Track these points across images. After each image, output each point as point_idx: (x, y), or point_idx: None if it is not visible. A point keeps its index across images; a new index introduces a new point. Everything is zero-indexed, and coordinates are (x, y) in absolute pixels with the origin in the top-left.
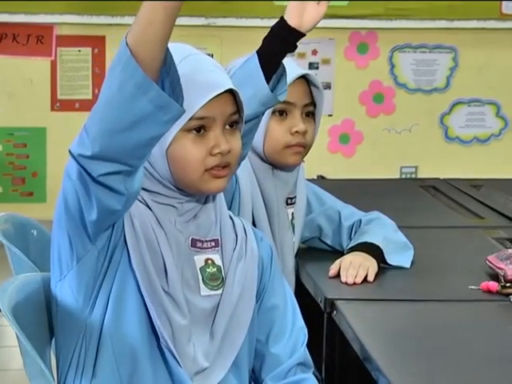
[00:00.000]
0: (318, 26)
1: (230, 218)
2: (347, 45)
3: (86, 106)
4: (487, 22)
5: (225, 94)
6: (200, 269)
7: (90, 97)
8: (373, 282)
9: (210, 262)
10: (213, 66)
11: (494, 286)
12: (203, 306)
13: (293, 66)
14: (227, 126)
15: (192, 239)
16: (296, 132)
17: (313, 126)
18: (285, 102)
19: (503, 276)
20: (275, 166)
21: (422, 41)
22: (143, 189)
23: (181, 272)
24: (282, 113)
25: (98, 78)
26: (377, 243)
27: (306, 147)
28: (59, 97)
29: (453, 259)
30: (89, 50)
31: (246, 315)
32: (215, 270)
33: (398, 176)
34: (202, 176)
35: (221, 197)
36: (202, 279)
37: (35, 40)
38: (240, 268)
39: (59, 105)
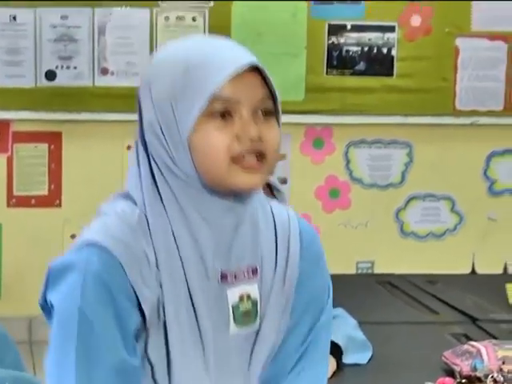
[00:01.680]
0: None
1: (272, 213)
2: (303, 140)
3: (42, 201)
4: (441, 117)
5: (251, 75)
6: (233, 306)
7: (46, 193)
8: (330, 379)
9: (245, 297)
10: (235, 45)
11: (450, 382)
12: (231, 345)
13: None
14: (260, 114)
15: (222, 273)
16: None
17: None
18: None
19: (459, 372)
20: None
21: (377, 136)
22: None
23: (210, 313)
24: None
25: (54, 173)
26: (337, 342)
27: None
28: (15, 193)
29: (409, 355)
30: (45, 145)
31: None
32: (250, 306)
33: (354, 271)
34: (229, 167)
35: (259, 197)
36: (234, 318)
37: None
38: (276, 295)
39: (15, 201)
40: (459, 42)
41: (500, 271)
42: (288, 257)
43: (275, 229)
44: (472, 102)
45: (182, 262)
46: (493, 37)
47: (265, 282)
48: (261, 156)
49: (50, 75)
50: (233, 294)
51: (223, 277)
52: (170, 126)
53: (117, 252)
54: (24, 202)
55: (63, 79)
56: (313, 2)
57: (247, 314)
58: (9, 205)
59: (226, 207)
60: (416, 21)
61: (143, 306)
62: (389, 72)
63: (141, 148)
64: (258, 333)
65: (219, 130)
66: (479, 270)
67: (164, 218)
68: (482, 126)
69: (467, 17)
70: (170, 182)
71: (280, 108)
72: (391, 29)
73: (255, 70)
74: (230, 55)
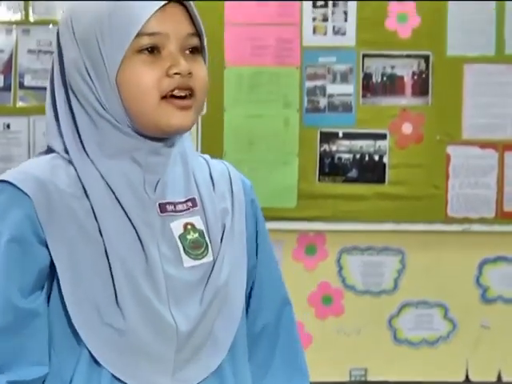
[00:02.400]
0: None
1: (205, 160)
2: (295, 246)
3: None
4: (433, 224)
5: (178, 10)
6: (179, 237)
7: None
8: None
9: (189, 227)
10: None
11: None
12: (188, 278)
13: None
14: (187, 52)
15: (160, 204)
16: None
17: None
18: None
19: None
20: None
21: (369, 243)
22: (86, 154)
23: (156, 247)
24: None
25: None
26: None
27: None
28: None
29: None
30: None
31: (239, 292)
32: (197, 235)
33: (347, 378)
34: (158, 105)
35: (188, 140)
36: (184, 249)
37: None
38: (228, 228)
39: None
40: (450, 149)
41: (494, 379)
42: (232, 191)
43: (209, 169)
44: (464, 209)
45: (119, 200)
46: (484, 145)
47: (208, 215)
48: (191, 93)
49: None
50: (177, 226)
51: (162, 209)
52: (97, 64)
53: (25, 187)
54: None
55: None
56: (305, 110)
57: (196, 243)
58: None
59: (154, 149)
60: (407, 128)
61: (49, 244)
62: (381, 179)
63: (60, 91)
64: (213, 265)
65: (148, 66)
66: (473, 378)
67: (89, 162)
68: (474, 233)
69: (458, 125)
70: (97, 125)
71: (206, 45)
72: (383, 136)
73: (181, 5)
74: None
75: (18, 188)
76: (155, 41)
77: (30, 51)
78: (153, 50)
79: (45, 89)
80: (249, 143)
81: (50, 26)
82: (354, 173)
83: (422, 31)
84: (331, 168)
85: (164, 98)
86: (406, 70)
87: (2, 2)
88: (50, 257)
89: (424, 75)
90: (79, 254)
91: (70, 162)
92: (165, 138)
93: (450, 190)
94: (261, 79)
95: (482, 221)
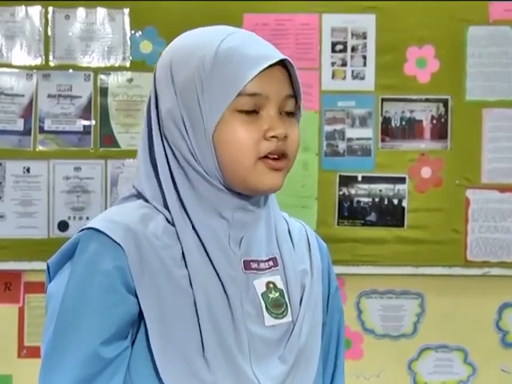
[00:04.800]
0: None
1: (284, 219)
2: None
3: None
4: (452, 268)
5: (279, 71)
6: (262, 295)
7: None
8: None
9: (271, 285)
10: (263, 41)
11: None
12: (269, 337)
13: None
14: (283, 114)
15: (245, 261)
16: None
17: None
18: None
19: None
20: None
21: (388, 287)
22: (181, 202)
23: (240, 303)
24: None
25: None
26: None
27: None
28: (26, 343)
29: None
30: None
31: (315, 354)
32: (278, 294)
33: None
34: (255, 165)
35: (273, 199)
36: (266, 307)
37: (3, 287)
38: (307, 289)
39: (26, 352)
40: (470, 193)
41: None
42: (310, 252)
43: (289, 230)
44: (483, 253)
45: (208, 253)
46: (503, 189)
47: (288, 275)
48: (283, 155)
49: (63, 226)
50: (259, 284)
51: (246, 266)
52: (195, 119)
53: (117, 236)
54: (35, 352)
55: (75, 230)
56: (324, 154)
57: (277, 302)
58: (20, 356)
59: (242, 206)
60: (426, 173)
61: (139, 294)
62: (400, 223)
63: (157, 139)
64: (294, 324)
65: (246, 126)
66: None
67: (183, 213)
68: (494, 277)
69: (477, 169)
70: (188, 177)
71: (302, 107)
72: (402, 180)
73: (282, 66)
74: (260, 49)
75: (109, 237)
76: (255, 101)
77: (50, 96)
78: (252, 110)
79: (64, 133)
80: None
81: (70, 70)
82: (372, 216)
83: (441, 75)
84: (350, 212)
85: (260, 158)
86: (424, 115)
87: (23, 47)
88: (139, 306)
89: (443, 119)
90: (168, 304)
91: (157, 209)
92: (252, 195)
93: (470, 233)
94: None
95: (502, 265)
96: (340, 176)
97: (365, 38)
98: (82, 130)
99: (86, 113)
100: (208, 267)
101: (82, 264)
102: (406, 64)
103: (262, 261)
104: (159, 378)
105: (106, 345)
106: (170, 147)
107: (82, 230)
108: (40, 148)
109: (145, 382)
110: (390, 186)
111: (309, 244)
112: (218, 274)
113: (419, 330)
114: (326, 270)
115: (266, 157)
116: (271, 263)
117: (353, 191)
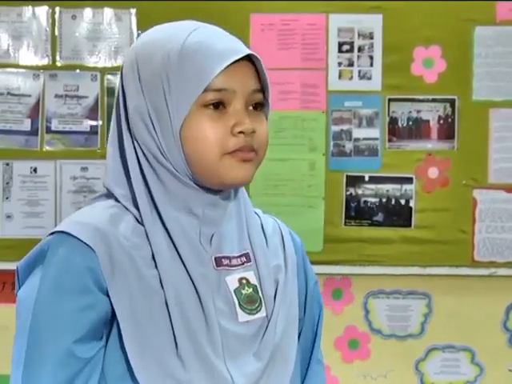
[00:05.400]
0: None
1: (257, 215)
2: (322, 290)
3: None
4: (459, 268)
5: (245, 66)
6: (235, 291)
7: None
8: None
9: (244, 281)
10: (229, 35)
11: None
12: (242, 333)
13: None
14: (250, 108)
15: (216, 258)
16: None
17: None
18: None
19: None
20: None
21: (395, 287)
22: (152, 200)
23: (212, 300)
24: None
25: None
26: None
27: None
28: None
29: None
30: None
31: (291, 349)
32: (251, 290)
33: None
34: (221, 159)
35: (244, 194)
36: (239, 303)
37: (11, 286)
38: (281, 284)
39: None
40: (476, 193)
41: None
42: (284, 247)
43: (262, 225)
44: (490, 253)
45: (178, 252)
46: (510, 189)
47: (261, 270)
48: (251, 151)
49: None
50: (232, 280)
51: (218, 263)
52: (161, 115)
53: (87, 238)
54: None
55: None
56: (331, 154)
57: (250, 298)
58: None
59: (212, 201)
60: (433, 173)
61: (111, 295)
62: (407, 223)
63: (127, 136)
64: (268, 320)
65: (212, 122)
66: None
67: (153, 211)
68: (501, 278)
69: (484, 169)
70: (158, 173)
71: (270, 101)
72: (409, 180)
73: (248, 61)
74: (226, 43)
75: (78, 239)
76: (221, 97)
77: (57, 96)
78: (218, 105)
79: (71, 133)
80: (274, 187)
81: (77, 70)
82: (379, 217)
83: (448, 76)
84: (357, 212)
85: (227, 153)
86: (431, 115)
87: (30, 47)
88: (111, 306)
89: (450, 119)
90: (140, 304)
91: (127, 208)
92: (222, 190)
93: (477, 234)
94: (286, 123)
95: (509, 265)
96: (347, 176)
97: (371, 38)
98: (88, 130)
99: (92, 113)
100: (179, 266)
101: (53, 268)
102: (413, 64)
103: (233, 257)
104: (133, 378)
105: (80, 344)
106: (139, 145)
107: (52, 233)
108: (47, 148)
109: (119, 382)
110: (397, 186)
111: (283, 239)
112: (188, 273)
113: (426, 330)
114: (301, 265)
115: (233, 152)
116: (244, 259)
117: (360, 191)
